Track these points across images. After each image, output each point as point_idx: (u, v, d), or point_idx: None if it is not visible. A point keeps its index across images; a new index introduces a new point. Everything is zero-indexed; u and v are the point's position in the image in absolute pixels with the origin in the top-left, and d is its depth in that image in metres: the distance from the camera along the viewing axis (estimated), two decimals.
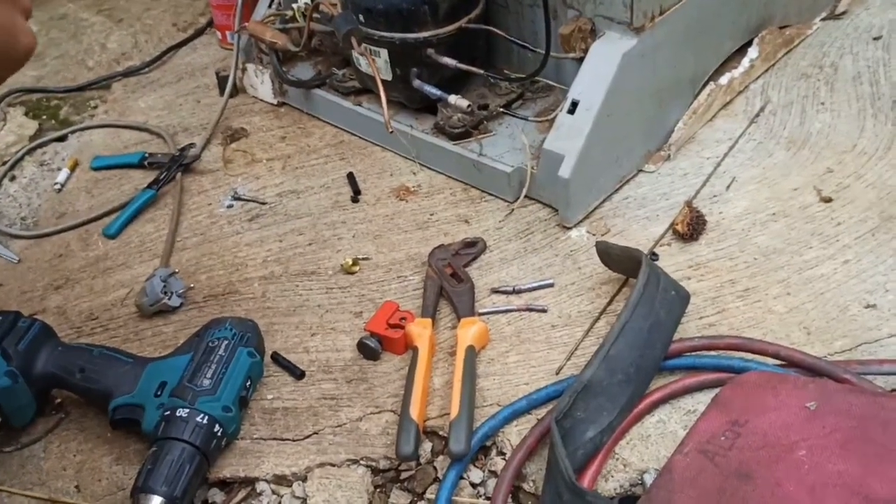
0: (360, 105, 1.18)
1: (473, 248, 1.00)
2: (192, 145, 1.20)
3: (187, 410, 0.78)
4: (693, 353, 0.83)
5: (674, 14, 1.01)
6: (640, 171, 1.07)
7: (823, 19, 1.27)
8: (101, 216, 1.12)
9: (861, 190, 1.00)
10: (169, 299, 0.96)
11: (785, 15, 1.21)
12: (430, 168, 1.13)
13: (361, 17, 1.05)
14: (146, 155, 1.19)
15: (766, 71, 1.19)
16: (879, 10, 1.27)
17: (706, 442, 0.69)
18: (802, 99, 1.14)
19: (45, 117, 1.33)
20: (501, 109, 1.10)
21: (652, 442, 0.78)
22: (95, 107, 1.34)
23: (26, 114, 1.34)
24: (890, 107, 1.10)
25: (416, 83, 1.08)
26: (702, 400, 0.80)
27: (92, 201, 1.16)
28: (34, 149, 1.26)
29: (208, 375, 0.81)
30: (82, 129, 1.29)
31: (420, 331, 0.88)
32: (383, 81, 1.04)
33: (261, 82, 1.27)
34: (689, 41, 1.06)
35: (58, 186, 1.18)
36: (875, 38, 1.22)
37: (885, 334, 0.84)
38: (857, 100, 1.12)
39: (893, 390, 0.79)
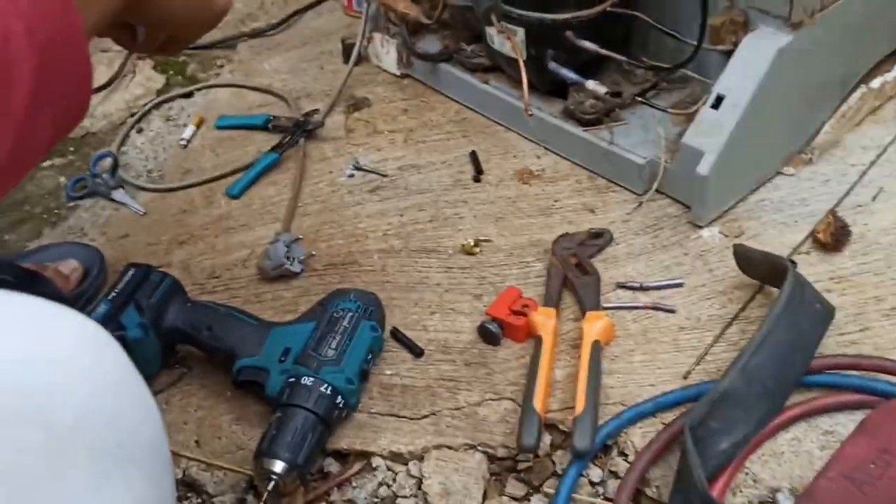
0: (487, 83, 1.16)
1: (599, 239, 0.97)
2: (315, 111, 1.20)
3: (312, 379, 0.78)
4: (836, 372, 0.79)
5: (834, 11, 0.95)
6: (779, 173, 1.03)
7: None
8: (225, 175, 1.13)
9: None
10: (291, 265, 0.96)
11: None
12: (554, 153, 1.10)
13: None
14: (271, 118, 1.20)
15: None
16: None
17: (853, 469, 0.66)
18: None
19: (172, 73, 1.35)
20: (637, 98, 1.06)
21: (785, 460, 0.75)
22: (221, 66, 1.35)
23: (154, 68, 1.36)
24: None
25: (552, 66, 1.05)
26: (840, 421, 0.76)
27: (216, 160, 1.17)
28: (161, 103, 1.28)
29: (332, 346, 0.81)
30: (208, 87, 1.30)
31: (544, 320, 0.86)
32: (518, 62, 1.01)
33: (386, 52, 1.26)
34: (844, 40, 1.00)
35: (183, 142, 1.20)
36: None
37: None
38: None
39: None
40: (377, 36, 1.26)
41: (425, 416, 0.82)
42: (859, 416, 0.75)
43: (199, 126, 1.22)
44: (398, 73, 1.26)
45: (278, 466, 0.73)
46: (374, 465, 0.80)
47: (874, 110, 1.08)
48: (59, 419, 0.35)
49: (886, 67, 1.09)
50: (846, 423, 0.76)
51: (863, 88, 1.06)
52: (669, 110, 1.03)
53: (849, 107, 1.05)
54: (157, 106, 1.28)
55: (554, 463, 0.79)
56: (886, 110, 1.09)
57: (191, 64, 1.36)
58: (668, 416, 0.79)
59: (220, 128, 1.22)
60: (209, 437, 0.83)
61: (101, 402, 0.38)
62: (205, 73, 1.34)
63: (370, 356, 0.83)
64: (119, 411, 0.39)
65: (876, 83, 1.07)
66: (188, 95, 1.29)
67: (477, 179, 1.08)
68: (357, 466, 0.80)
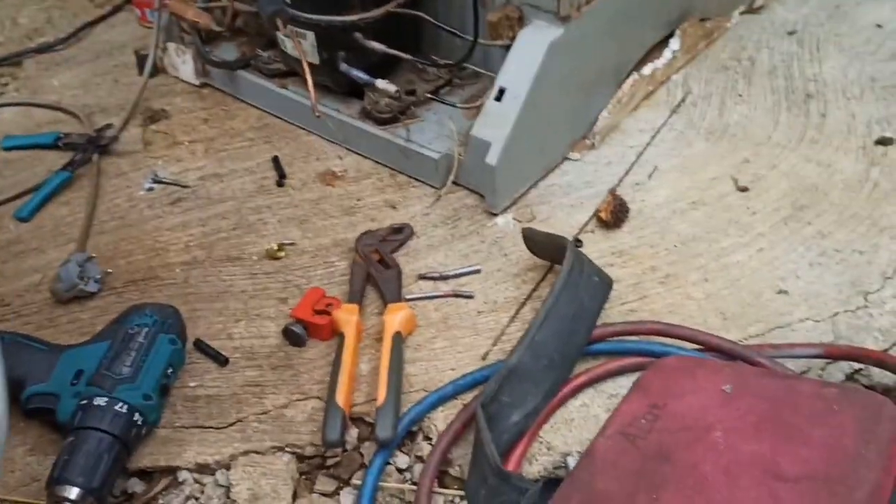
0: (285, 88, 1.16)
1: (401, 233, 1.00)
2: (109, 126, 1.16)
3: (105, 399, 0.76)
4: (615, 339, 0.85)
5: (600, 4, 1.02)
6: (566, 158, 1.09)
7: (742, 13, 1.31)
8: (13, 198, 1.08)
9: (775, 180, 1.03)
10: (86, 285, 0.93)
11: (705, 7, 1.24)
12: (356, 153, 1.12)
13: None
14: (61, 135, 1.15)
15: (687, 63, 1.22)
16: (794, 5, 1.32)
17: (627, 425, 0.71)
18: (721, 91, 1.18)
19: None
20: (429, 95, 1.09)
21: (575, 425, 0.80)
22: (6, 84, 1.28)
23: None
24: (803, 100, 1.15)
25: (343, 67, 1.07)
26: (624, 384, 0.82)
27: (2, 182, 1.11)
28: None
29: (127, 363, 0.79)
30: None
31: (347, 317, 0.88)
32: (310, 65, 1.02)
33: (182, 62, 1.24)
34: (614, 31, 1.07)
35: None
36: (790, 33, 1.26)
37: (796, 319, 0.87)
38: (773, 93, 1.16)
39: (803, 373, 0.82)
40: (172, 46, 1.24)
41: (231, 424, 0.82)
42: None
43: None
44: (197, 83, 1.24)
45: (73, 493, 0.71)
46: (180, 480, 0.79)
47: (648, 95, 1.17)
48: None
49: (656, 55, 1.18)
50: (628, 386, 0.81)
51: (635, 75, 1.14)
52: (459, 105, 1.07)
53: (623, 93, 1.13)
54: None
55: (362, 455, 0.80)
56: (658, 94, 1.17)
57: None
58: (469, 397, 0.82)
59: (6, 149, 1.16)
60: (2, 471, 0.79)
61: None
62: None
63: (170, 370, 0.82)
64: None
65: (647, 70, 1.16)
66: None
67: (280, 184, 1.09)
68: (163, 483, 0.79)
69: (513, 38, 1.01)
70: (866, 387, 0.81)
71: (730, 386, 0.72)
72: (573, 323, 0.82)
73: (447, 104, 1.08)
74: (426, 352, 0.88)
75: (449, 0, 1.11)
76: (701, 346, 0.83)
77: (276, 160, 1.11)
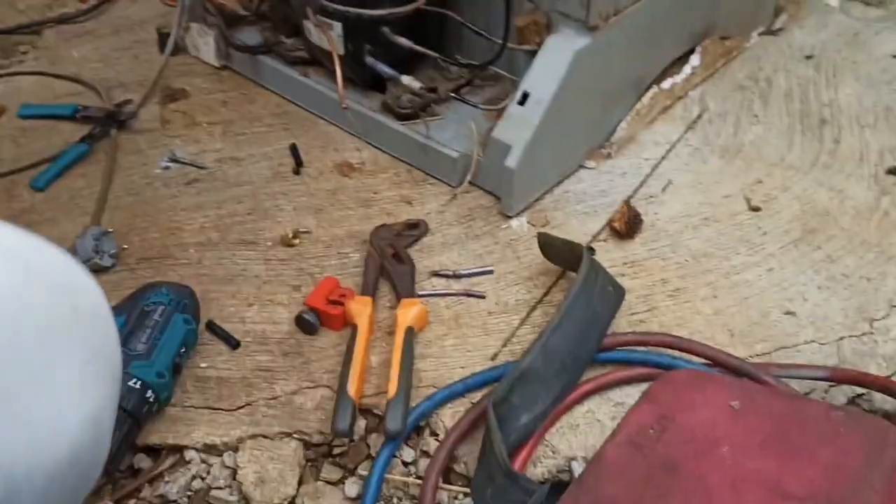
0: (306, 76, 1.17)
1: (416, 229, 1.00)
2: (128, 101, 1.16)
3: None
4: (625, 348, 0.86)
5: (627, 16, 1.03)
6: (582, 166, 1.10)
7: (761, 34, 1.32)
8: (29, 167, 1.08)
9: (787, 202, 1.05)
10: (100, 259, 0.93)
11: (726, 26, 1.25)
12: (374, 146, 1.12)
13: None
14: (79, 107, 1.15)
15: (706, 79, 1.23)
16: (813, 29, 1.33)
17: (636, 434, 0.72)
18: (737, 110, 1.19)
19: None
20: (451, 94, 1.10)
21: (580, 431, 0.81)
22: (25, 52, 1.28)
23: None
24: (817, 125, 1.16)
25: (369, 60, 1.08)
26: (630, 393, 0.84)
27: (18, 150, 1.11)
28: None
29: (143, 340, 0.80)
30: (10, 75, 1.23)
31: (360, 308, 0.89)
32: (335, 56, 1.03)
33: (204, 43, 1.24)
34: (638, 44, 1.08)
35: None
36: (807, 57, 1.28)
37: (802, 340, 0.88)
38: (788, 115, 1.18)
39: (807, 394, 0.84)
40: (195, 26, 1.24)
41: (241, 407, 0.83)
42: (646, 388, 0.82)
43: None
44: (217, 65, 1.24)
45: None
46: (187, 459, 0.79)
47: (665, 109, 1.18)
48: None
49: (676, 70, 1.19)
50: (634, 395, 0.83)
51: (655, 89, 1.15)
52: (481, 106, 1.08)
53: (642, 105, 1.14)
54: None
55: (369, 446, 0.81)
56: (676, 109, 1.19)
57: None
58: (477, 396, 0.83)
59: (22, 117, 1.16)
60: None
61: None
62: (6, 59, 1.27)
63: (183, 349, 0.82)
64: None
65: (666, 84, 1.17)
66: None
67: (297, 172, 1.09)
68: (169, 461, 0.79)
69: (539, 44, 1.01)
70: (868, 412, 0.83)
71: (738, 402, 0.73)
72: (585, 330, 0.83)
73: (469, 104, 1.09)
74: (436, 348, 0.88)
75: (475, 1, 1.12)
76: (709, 361, 0.84)
77: (293, 148, 1.12)
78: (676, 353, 0.85)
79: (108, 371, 0.45)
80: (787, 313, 0.91)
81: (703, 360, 0.85)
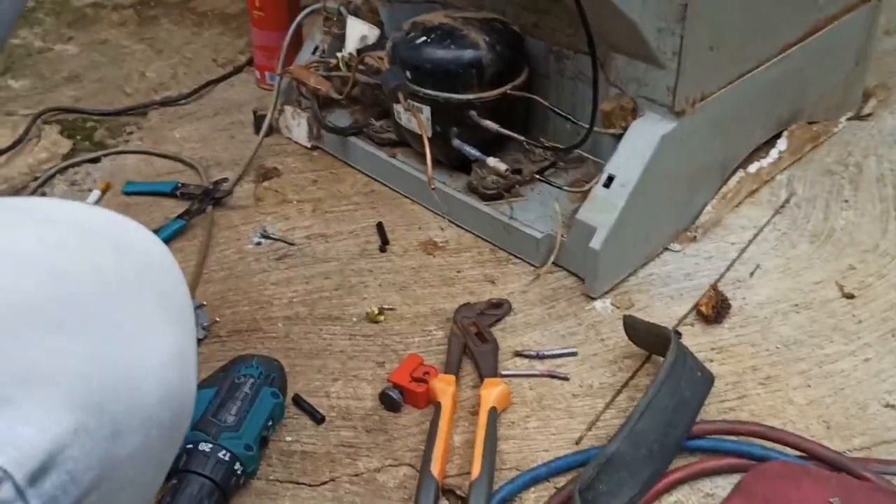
0: (394, 157, 1.20)
1: (499, 309, 1.01)
2: (225, 180, 1.21)
3: (210, 445, 0.77)
4: (714, 437, 0.84)
5: (713, 101, 1.04)
6: (667, 249, 1.09)
7: (849, 119, 1.31)
8: None
9: (883, 289, 1.02)
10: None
11: (814, 111, 1.24)
12: (458, 225, 1.14)
13: (409, 74, 1.08)
14: (179, 185, 1.21)
15: (793, 164, 1.22)
16: None
17: None
18: (826, 194, 1.17)
19: (79, 138, 1.34)
20: (536, 176, 1.12)
21: None
22: (131, 133, 1.36)
23: (61, 132, 1.35)
24: None
25: (456, 143, 1.10)
26: (720, 484, 0.81)
27: None
28: (67, 168, 1.27)
29: (232, 412, 0.81)
30: (116, 153, 1.30)
31: (444, 387, 0.89)
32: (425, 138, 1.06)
33: (297, 125, 1.30)
34: (724, 128, 1.09)
35: None
36: None
37: None
38: (881, 201, 1.15)
39: None
40: (288, 108, 1.30)
41: (324, 483, 0.83)
42: (737, 478, 0.80)
43: (105, 191, 1.22)
44: (308, 145, 1.30)
45: None
46: None
47: (751, 193, 1.17)
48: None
49: (762, 154, 1.19)
50: (725, 486, 0.80)
51: (741, 172, 1.15)
52: (565, 188, 1.09)
53: (728, 189, 1.13)
54: (62, 171, 1.27)
55: None
56: (762, 193, 1.18)
57: (99, 130, 1.36)
58: (561, 481, 0.82)
59: (127, 193, 1.22)
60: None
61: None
62: (113, 139, 1.34)
63: (271, 422, 0.84)
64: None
65: (752, 168, 1.16)
66: (96, 160, 1.29)
67: (383, 249, 1.11)
68: None
69: (625, 128, 1.03)
70: None
71: (838, 499, 0.70)
72: (673, 416, 0.82)
73: (553, 186, 1.10)
74: (519, 430, 0.88)
75: (560, 85, 1.14)
76: (804, 454, 0.81)
77: (380, 226, 1.15)
78: (769, 444, 0.83)
79: (181, 314, 0.50)
80: (888, 406, 0.88)
81: (797, 453, 0.82)
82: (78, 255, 0.46)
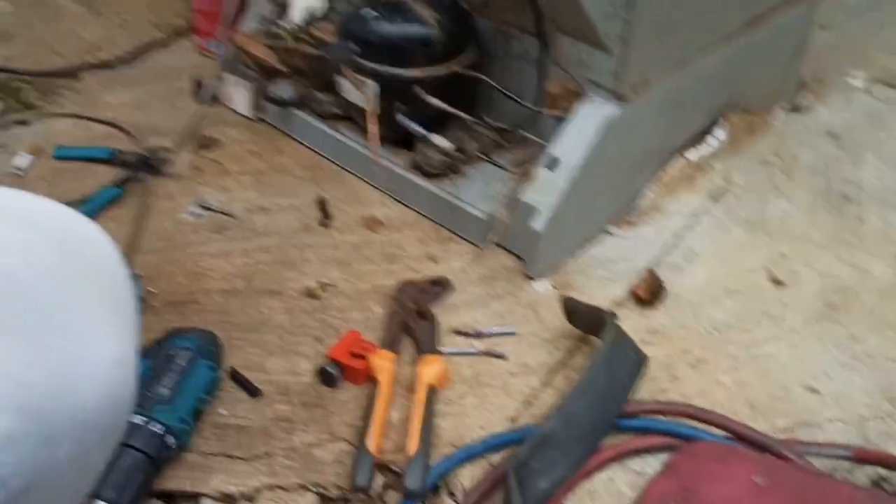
0: (337, 131, 1.19)
1: (440, 287, 1.01)
2: (163, 148, 1.18)
3: (143, 418, 0.76)
4: (646, 416, 0.86)
5: (657, 87, 1.05)
6: (606, 232, 1.11)
7: (787, 112, 1.34)
8: None
9: (810, 277, 1.05)
10: None
11: (750, 101, 1.27)
12: (401, 203, 1.14)
13: (356, 48, 1.07)
14: (115, 151, 1.17)
15: (730, 153, 1.25)
16: (838, 109, 1.35)
17: None
18: (761, 184, 1.20)
19: (9, 98, 1.29)
20: (480, 155, 1.12)
21: (599, 498, 0.80)
22: (63, 95, 1.31)
23: None
24: (841, 202, 1.17)
25: (401, 119, 1.10)
26: (650, 462, 0.83)
27: (52, 191, 1.13)
28: None
29: (166, 384, 0.80)
30: (48, 116, 1.26)
31: (382, 363, 0.89)
32: (371, 113, 1.05)
33: (239, 94, 1.27)
34: (666, 114, 1.10)
35: (18, 171, 1.15)
36: (831, 135, 1.29)
37: (825, 418, 0.88)
38: (812, 192, 1.19)
39: (830, 472, 0.83)
40: (230, 77, 1.27)
41: (259, 457, 0.82)
42: (666, 457, 0.82)
43: (35, 155, 1.18)
44: (251, 116, 1.27)
45: None
46: None
47: (690, 180, 1.19)
48: None
49: (700, 141, 1.21)
50: (654, 465, 0.82)
51: (680, 159, 1.17)
52: (509, 168, 1.09)
53: (667, 175, 1.15)
54: None
55: (385, 503, 0.80)
56: (700, 180, 1.20)
57: (29, 91, 1.31)
58: (496, 458, 0.83)
59: (58, 158, 1.18)
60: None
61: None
62: (45, 101, 1.30)
63: (206, 396, 0.83)
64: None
65: (691, 155, 1.19)
66: (24, 122, 1.24)
67: (324, 225, 1.10)
68: None
69: (569, 111, 1.03)
70: (892, 494, 0.82)
71: (762, 478, 0.73)
72: (607, 396, 0.83)
73: (497, 166, 1.11)
74: (456, 407, 0.88)
75: (507, 66, 1.14)
76: (730, 435, 0.84)
77: (321, 201, 1.13)
78: (698, 424, 0.85)
79: (125, 315, 0.48)
80: (810, 389, 0.91)
81: (724, 433, 0.84)
82: (21, 252, 0.45)
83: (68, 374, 0.43)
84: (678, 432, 0.84)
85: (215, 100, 1.29)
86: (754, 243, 1.10)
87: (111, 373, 0.45)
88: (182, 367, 0.82)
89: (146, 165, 1.15)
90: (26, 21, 1.48)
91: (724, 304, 1.02)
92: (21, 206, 0.47)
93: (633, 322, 0.98)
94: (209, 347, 0.85)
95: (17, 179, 1.14)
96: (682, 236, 1.11)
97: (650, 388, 0.90)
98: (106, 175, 1.15)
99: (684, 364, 0.94)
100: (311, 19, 1.21)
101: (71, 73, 1.35)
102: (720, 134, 1.22)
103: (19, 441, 0.41)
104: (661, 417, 0.86)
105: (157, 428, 0.76)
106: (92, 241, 0.49)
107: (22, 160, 1.16)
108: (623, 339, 0.88)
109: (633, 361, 0.87)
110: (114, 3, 1.55)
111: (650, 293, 1.00)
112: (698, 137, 1.21)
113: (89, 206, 1.08)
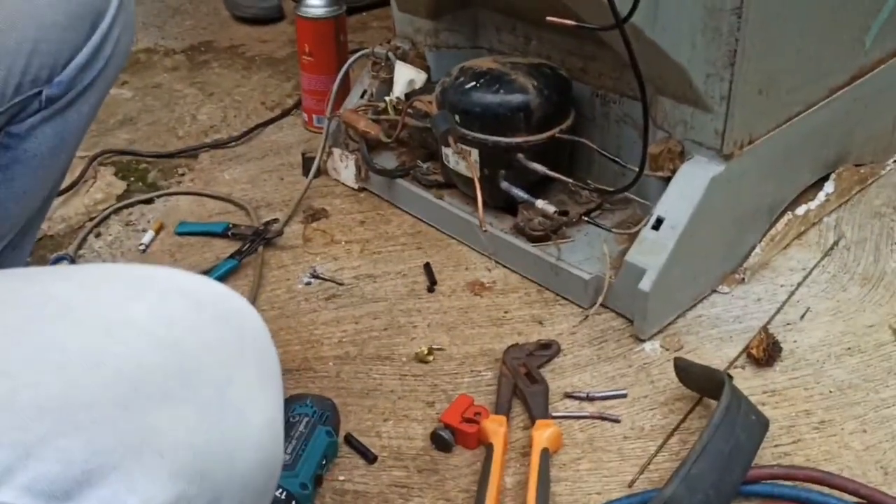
0: (441, 199, 1.22)
1: (548, 349, 1.01)
2: (275, 220, 1.24)
3: None
4: (771, 482, 0.83)
5: (762, 144, 1.04)
6: (715, 291, 1.09)
7: None
8: None
9: None
10: None
11: (861, 153, 1.24)
12: (505, 266, 1.15)
13: (458, 118, 1.10)
14: (230, 225, 1.23)
15: (840, 206, 1.22)
16: None
17: None
18: (876, 237, 1.16)
19: (133, 179, 1.38)
20: (583, 217, 1.12)
21: None
22: (182, 174, 1.39)
23: (116, 174, 1.39)
24: None
25: (504, 185, 1.12)
26: None
27: (175, 264, 1.19)
28: (121, 208, 1.31)
29: (288, 451, 0.82)
30: (169, 195, 1.34)
31: (495, 427, 0.89)
32: (476, 180, 1.08)
33: (345, 167, 1.32)
34: (772, 171, 1.09)
35: (142, 247, 1.22)
36: None
37: None
38: None
39: None
40: (336, 151, 1.32)
41: None
42: None
43: (158, 231, 1.25)
44: (356, 187, 1.32)
45: None
46: None
47: (799, 235, 1.17)
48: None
49: (810, 196, 1.19)
50: None
51: (789, 215, 1.15)
52: (613, 230, 1.10)
53: (777, 231, 1.13)
54: (116, 211, 1.30)
55: None
56: (810, 235, 1.17)
57: (152, 171, 1.40)
58: None
59: (179, 234, 1.25)
60: None
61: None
62: (166, 180, 1.38)
63: (325, 461, 0.84)
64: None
65: (801, 210, 1.16)
66: (149, 202, 1.32)
67: (431, 290, 1.12)
68: None
69: (673, 171, 1.03)
70: None
71: None
72: (729, 460, 0.81)
73: (600, 227, 1.11)
74: (571, 472, 0.87)
75: (606, 128, 1.16)
76: (862, 501, 0.80)
77: (427, 266, 1.16)
78: (827, 489, 0.81)
79: (274, 380, 0.51)
80: None
81: (856, 499, 0.81)
82: (185, 325, 0.48)
83: (230, 438, 0.46)
84: (807, 499, 0.81)
85: (322, 173, 1.34)
86: (873, 298, 1.07)
87: (265, 435, 0.48)
88: (302, 434, 0.84)
89: (260, 237, 1.20)
90: (146, 106, 1.58)
91: (846, 362, 0.98)
92: (186, 284, 0.51)
93: (749, 383, 0.96)
94: (327, 413, 0.88)
95: (142, 255, 1.21)
96: (795, 293, 1.08)
97: (772, 452, 0.88)
98: (223, 248, 1.21)
99: (807, 426, 0.90)
100: (413, 92, 1.26)
101: (189, 153, 1.44)
102: (830, 187, 1.19)
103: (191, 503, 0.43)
104: (788, 483, 0.83)
105: (280, 493, 0.78)
106: (244, 314, 0.52)
107: (146, 237, 1.23)
108: (742, 401, 0.85)
109: (753, 423, 0.85)
110: (225, 86, 1.65)
111: (765, 352, 0.98)
112: (808, 192, 1.18)
113: (209, 277, 1.14)
